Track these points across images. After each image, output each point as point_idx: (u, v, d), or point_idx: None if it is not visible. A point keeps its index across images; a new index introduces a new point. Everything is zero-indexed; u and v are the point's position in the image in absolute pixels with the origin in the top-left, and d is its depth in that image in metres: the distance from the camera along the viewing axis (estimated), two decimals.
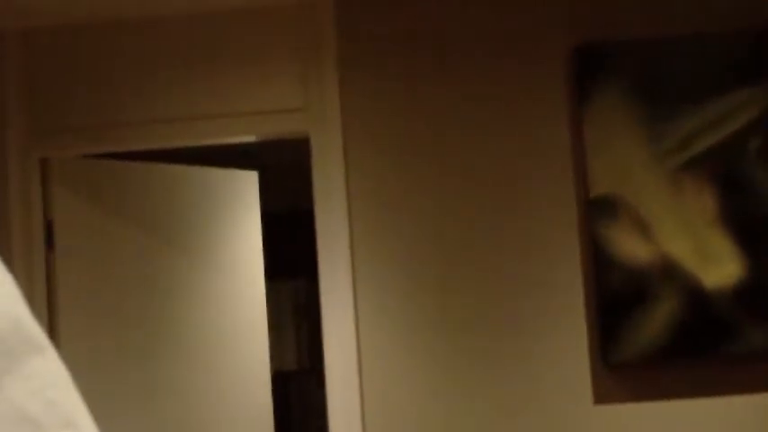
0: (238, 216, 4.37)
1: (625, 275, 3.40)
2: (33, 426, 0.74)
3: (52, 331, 3.72)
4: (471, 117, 3.55)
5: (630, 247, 3.42)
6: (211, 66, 3.69)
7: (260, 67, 3.68)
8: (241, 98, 3.67)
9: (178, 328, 4.08)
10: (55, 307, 3.73)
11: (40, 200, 3.75)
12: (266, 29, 3.68)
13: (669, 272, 3.40)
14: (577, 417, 3.45)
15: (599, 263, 3.42)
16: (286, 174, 5.44)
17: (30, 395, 0.75)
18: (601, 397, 3.45)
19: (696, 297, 3.39)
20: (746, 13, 3.50)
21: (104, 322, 3.87)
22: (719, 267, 3.40)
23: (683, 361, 3.43)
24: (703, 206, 3.42)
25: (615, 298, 3.40)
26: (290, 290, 6.47)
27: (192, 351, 4.12)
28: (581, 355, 3.45)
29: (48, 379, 0.77)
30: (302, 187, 4.22)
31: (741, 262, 3.40)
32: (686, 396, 3.43)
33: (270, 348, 4.46)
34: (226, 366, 4.22)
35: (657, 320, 3.39)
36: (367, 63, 3.60)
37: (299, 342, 6.52)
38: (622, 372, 3.45)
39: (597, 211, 3.44)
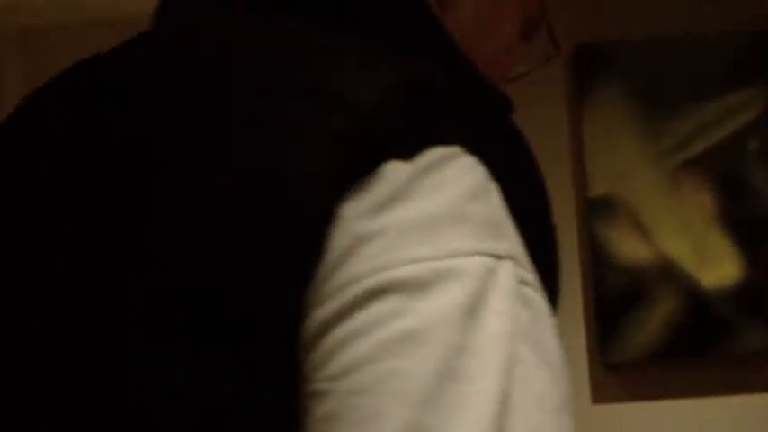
0: None
1: (623, 275, 3.40)
2: None
3: None
4: None
5: (629, 247, 3.41)
6: None
7: None
8: None
9: None
10: None
11: None
12: None
13: (668, 272, 3.39)
14: (575, 416, 3.44)
15: (597, 262, 3.41)
16: None
17: None
18: (599, 396, 3.45)
19: (695, 297, 3.38)
20: (746, 13, 3.49)
21: None
22: (718, 268, 3.40)
23: (681, 361, 3.43)
24: (702, 206, 3.42)
25: (613, 297, 3.40)
26: None
27: None
28: (579, 355, 3.45)
29: None
30: None
31: (740, 262, 3.39)
32: (684, 396, 3.43)
33: None
34: None
35: (656, 320, 3.38)
36: None
37: None
38: (620, 371, 3.44)
39: (596, 210, 3.44)
